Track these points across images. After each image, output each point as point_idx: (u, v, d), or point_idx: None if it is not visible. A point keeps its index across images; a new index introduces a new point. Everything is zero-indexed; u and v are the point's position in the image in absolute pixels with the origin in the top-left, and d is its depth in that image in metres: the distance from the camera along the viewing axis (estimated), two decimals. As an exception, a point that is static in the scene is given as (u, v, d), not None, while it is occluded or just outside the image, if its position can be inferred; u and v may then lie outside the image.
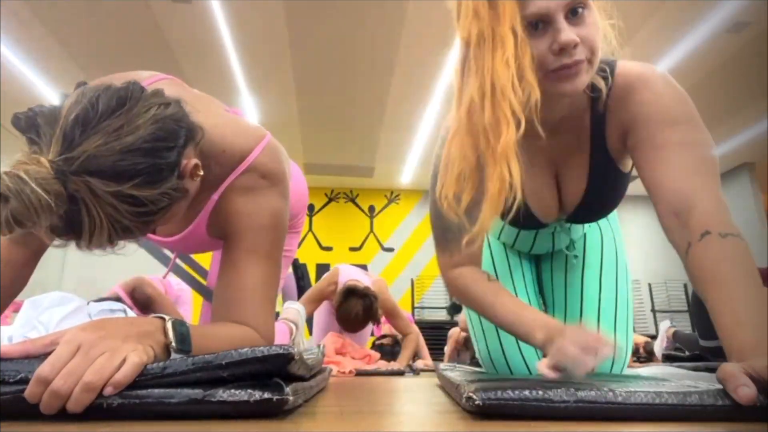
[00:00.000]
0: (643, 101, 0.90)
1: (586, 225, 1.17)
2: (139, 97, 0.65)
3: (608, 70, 0.93)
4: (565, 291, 1.18)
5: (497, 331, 1.16)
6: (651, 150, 0.87)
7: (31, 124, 0.60)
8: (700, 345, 2.90)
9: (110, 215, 0.61)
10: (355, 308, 2.42)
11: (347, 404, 0.77)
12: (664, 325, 3.57)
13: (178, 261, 1.30)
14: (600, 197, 1.01)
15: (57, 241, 0.63)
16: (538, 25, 0.79)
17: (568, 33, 0.77)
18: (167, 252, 1.28)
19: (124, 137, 0.61)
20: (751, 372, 0.54)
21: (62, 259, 7.23)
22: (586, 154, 0.97)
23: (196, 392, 0.52)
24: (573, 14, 0.79)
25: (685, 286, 7.72)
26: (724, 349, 0.65)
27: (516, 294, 1.16)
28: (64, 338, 0.54)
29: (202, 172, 0.74)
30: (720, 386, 0.56)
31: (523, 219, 0.95)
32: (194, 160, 0.72)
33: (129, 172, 0.61)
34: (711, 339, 2.76)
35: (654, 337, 4.65)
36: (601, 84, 0.91)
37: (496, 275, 1.20)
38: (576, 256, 1.19)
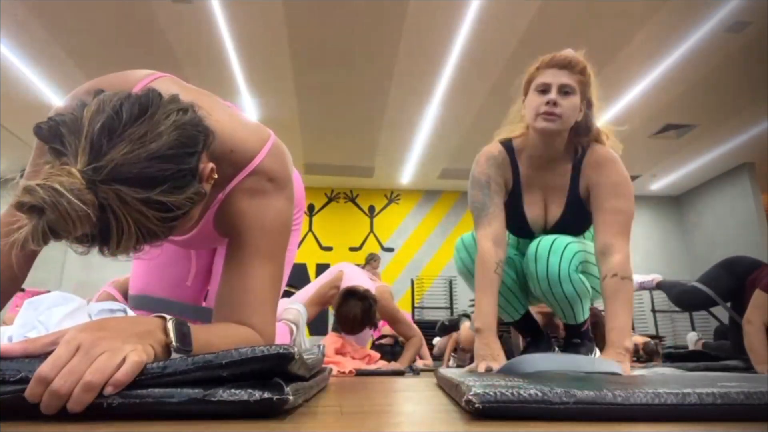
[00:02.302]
0: (606, 173, 1.48)
1: None
2: (158, 103, 0.65)
3: (581, 150, 1.53)
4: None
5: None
6: (600, 210, 1.47)
7: (55, 133, 0.60)
8: (689, 284, 3.01)
9: (138, 221, 0.61)
10: (354, 310, 2.43)
11: (347, 404, 0.77)
12: (655, 274, 3.58)
13: None
14: (571, 221, 1.56)
15: (80, 248, 0.63)
16: (543, 90, 1.45)
17: (553, 95, 1.43)
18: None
19: (149, 144, 0.61)
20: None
21: (62, 260, 7.23)
22: (566, 191, 1.55)
23: (196, 392, 0.52)
24: (563, 92, 1.44)
25: (685, 286, 7.71)
26: (613, 337, 1.31)
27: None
28: (65, 338, 0.54)
29: (216, 175, 0.75)
30: (719, 388, 0.56)
31: (517, 224, 1.60)
32: (210, 164, 0.73)
33: (156, 179, 0.61)
34: (704, 284, 2.89)
35: (654, 337, 4.65)
36: (578, 153, 1.53)
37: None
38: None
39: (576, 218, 1.55)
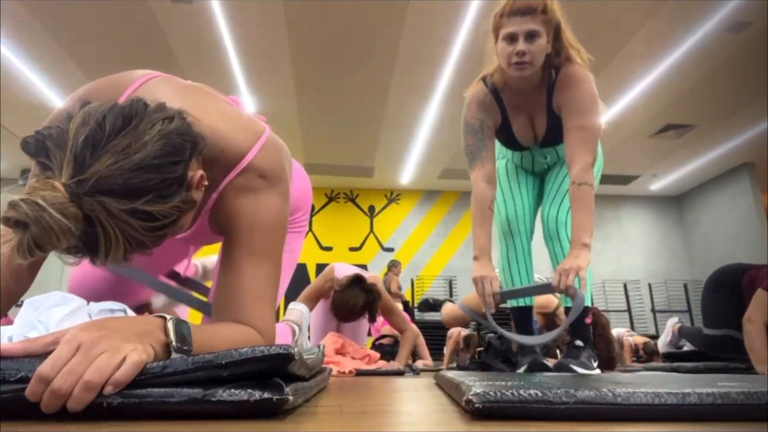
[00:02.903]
0: (571, 95, 1.63)
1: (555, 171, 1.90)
2: (143, 113, 0.66)
3: (554, 72, 1.65)
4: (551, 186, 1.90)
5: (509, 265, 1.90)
6: (567, 127, 1.63)
7: (41, 147, 0.61)
8: (703, 334, 2.91)
9: (125, 232, 0.62)
10: (355, 299, 2.37)
11: (347, 404, 0.77)
12: (671, 321, 3.55)
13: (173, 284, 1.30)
14: (553, 132, 1.73)
15: (72, 259, 0.64)
16: (511, 39, 1.57)
17: (521, 46, 1.54)
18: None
19: (133, 155, 0.62)
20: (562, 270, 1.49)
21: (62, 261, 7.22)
22: (545, 111, 1.72)
23: (196, 392, 0.52)
24: (530, 37, 1.55)
25: (685, 285, 7.72)
26: (573, 236, 1.54)
27: (520, 192, 1.91)
28: (65, 337, 0.54)
29: (207, 182, 0.75)
30: (719, 388, 0.56)
31: (512, 144, 1.84)
32: (200, 172, 0.73)
33: (141, 189, 0.62)
34: (715, 327, 2.77)
35: (653, 337, 4.65)
36: (552, 76, 1.66)
37: (508, 180, 1.94)
38: (548, 167, 1.92)
39: (559, 129, 1.72)
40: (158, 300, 1.40)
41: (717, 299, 2.78)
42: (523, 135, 1.78)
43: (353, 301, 2.38)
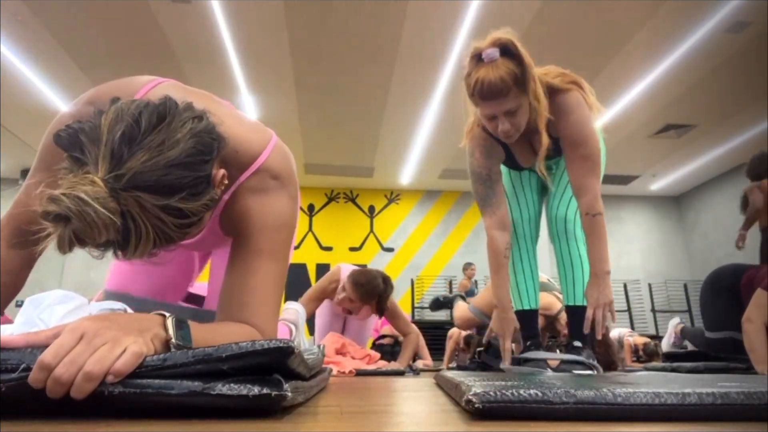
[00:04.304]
0: (566, 124, 1.60)
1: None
2: (175, 112, 0.67)
3: (548, 100, 1.57)
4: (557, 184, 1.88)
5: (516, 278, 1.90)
6: (569, 157, 1.64)
7: (74, 141, 0.61)
8: (705, 337, 2.91)
9: (156, 227, 0.63)
10: (377, 278, 2.46)
11: (347, 404, 0.77)
12: (673, 322, 3.55)
13: None
14: (556, 150, 1.69)
15: (96, 252, 0.64)
16: (492, 117, 1.53)
17: (503, 126, 1.52)
18: None
19: (167, 152, 0.63)
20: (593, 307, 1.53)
21: (62, 260, 7.23)
22: (543, 135, 1.65)
23: (196, 384, 0.52)
24: (509, 114, 1.51)
25: (685, 285, 7.73)
26: (595, 266, 1.56)
27: (524, 193, 1.90)
28: (68, 326, 0.55)
29: (227, 181, 0.76)
30: (719, 388, 0.56)
31: (513, 164, 1.84)
32: (222, 170, 0.75)
33: (174, 186, 0.63)
34: (717, 330, 2.77)
35: (653, 337, 4.65)
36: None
37: (511, 181, 1.92)
38: (553, 173, 1.89)
39: (558, 145, 1.70)
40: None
41: (716, 302, 2.77)
42: (526, 160, 1.79)
43: (374, 273, 2.48)
